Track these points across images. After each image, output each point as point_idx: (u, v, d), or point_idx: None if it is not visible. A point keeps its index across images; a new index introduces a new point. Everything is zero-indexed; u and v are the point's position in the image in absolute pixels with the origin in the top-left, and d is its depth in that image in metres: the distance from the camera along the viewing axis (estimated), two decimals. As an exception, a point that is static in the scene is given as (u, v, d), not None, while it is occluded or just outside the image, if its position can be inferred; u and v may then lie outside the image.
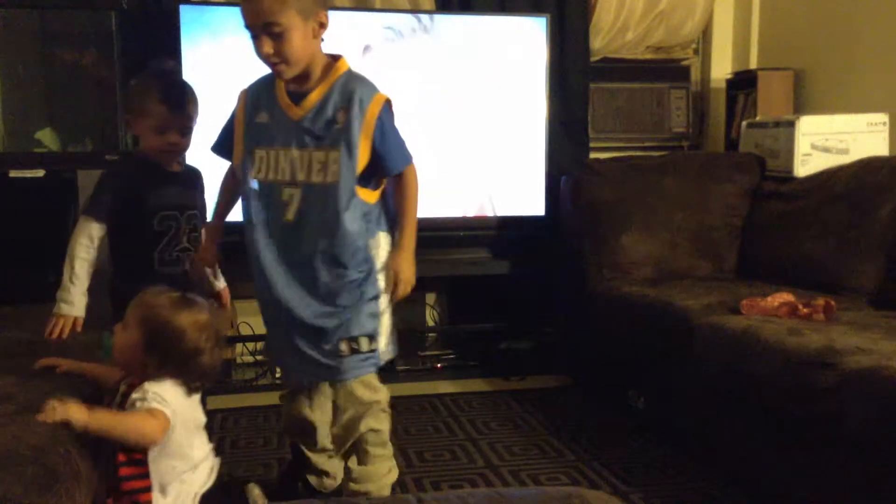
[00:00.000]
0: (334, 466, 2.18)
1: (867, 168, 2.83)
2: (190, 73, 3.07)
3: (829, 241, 2.76)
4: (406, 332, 3.58)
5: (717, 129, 3.96)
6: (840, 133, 3.10)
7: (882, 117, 3.09)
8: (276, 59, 1.77)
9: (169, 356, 1.49)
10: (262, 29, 1.73)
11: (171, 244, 2.06)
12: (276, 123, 1.88)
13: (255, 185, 1.90)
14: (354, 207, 1.84)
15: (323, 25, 1.81)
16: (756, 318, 2.31)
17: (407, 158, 1.92)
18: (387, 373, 3.11)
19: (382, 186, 1.95)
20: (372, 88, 1.86)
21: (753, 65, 3.86)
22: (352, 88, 1.83)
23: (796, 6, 3.68)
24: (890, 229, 2.62)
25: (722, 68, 3.98)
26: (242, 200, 1.96)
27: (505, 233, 3.45)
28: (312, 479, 2.21)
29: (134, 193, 2.02)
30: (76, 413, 1.40)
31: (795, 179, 3.08)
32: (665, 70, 4.01)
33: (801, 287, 2.59)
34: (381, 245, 1.95)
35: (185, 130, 2.06)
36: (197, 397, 1.57)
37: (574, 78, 3.73)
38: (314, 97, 1.84)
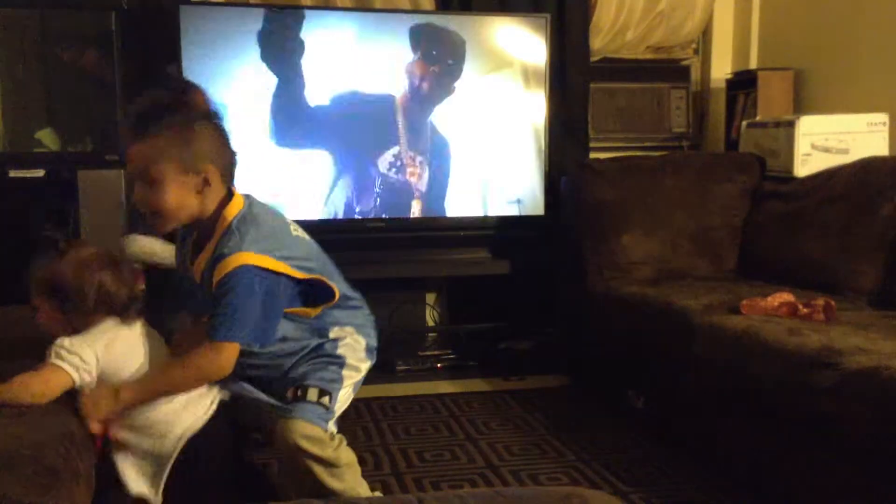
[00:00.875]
0: None
1: (867, 168, 2.83)
2: (190, 73, 3.07)
3: (829, 241, 2.76)
4: (406, 332, 3.59)
5: (717, 129, 3.96)
6: (840, 133, 3.10)
7: (882, 117, 3.09)
8: (144, 208, 1.62)
9: (79, 304, 1.49)
10: (139, 175, 1.59)
11: None
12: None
13: None
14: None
15: (207, 182, 1.62)
16: (756, 318, 2.31)
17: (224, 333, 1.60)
18: (387, 373, 3.11)
19: (307, 308, 1.76)
20: (238, 244, 1.61)
21: (753, 65, 3.86)
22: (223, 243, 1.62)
23: (796, 6, 3.68)
24: (890, 229, 2.62)
25: (722, 68, 3.98)
26: None
27: (505, 233, 3.45)
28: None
29: None
30: None
31: (795, 179, 3.08)
32: (665, 70, 4.01)
33: (801, 287, 2.59)
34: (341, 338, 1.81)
35: None
36: (144, 329, 1.57)
37: (574, 78, 3.73)
38: (203, 256, 1.67)
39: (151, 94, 1.61)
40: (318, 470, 1.67)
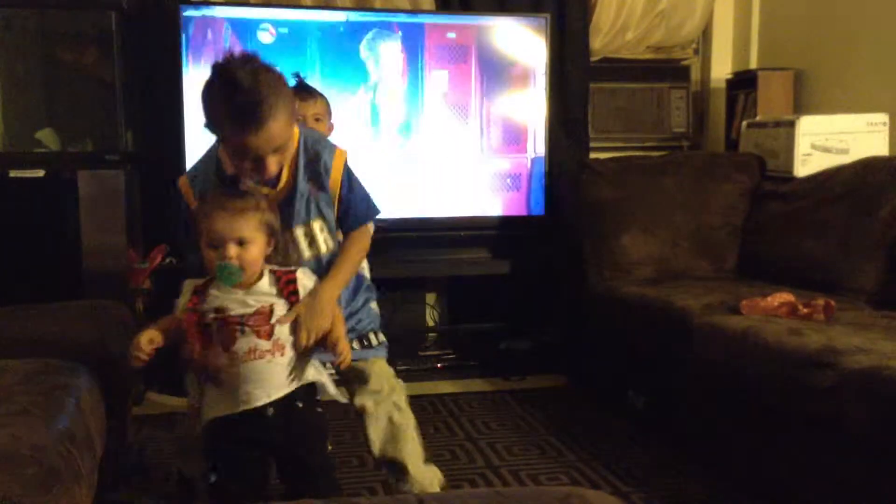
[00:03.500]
0: None
1: (867, 168, 2.83)
2: (189, 73, 3.07)
3: (829, 241, 2.76)
4: (406, 332, 3.59)
5: (717, 129, 3.96)
6: (840, 133, 3.10)
7: (882, 117, 3.09)
8: (269, 175, 1.69)
9: (275, 234, 1.65)
10: (277, 149, 1.64)
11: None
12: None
13: None
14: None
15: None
16: (756, 318, 2.31)
17: (371, 213, 1.88)
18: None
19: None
20: (330, 146, 1.81)
21: (753, 65, 3.86)
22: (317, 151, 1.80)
23: (796, 6, 3.68)
24: (890, 229, 2.62)
25: (722, 68, 3.98)
26: None
27: (505, 233, 3.45)
28: None
29: None
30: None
31: (795, 179, 3.08)
32: (665, 70, 4.01)
33: (801, 287, 2.59)
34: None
35: (318, 118, 2.26)
36: None
37: (574, 78, 3.73)
38: (286, 180, 1.77)
39: (242, 83, 1.56)
40: (399, 399, 1.99)
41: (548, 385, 3.29)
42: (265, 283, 1.63)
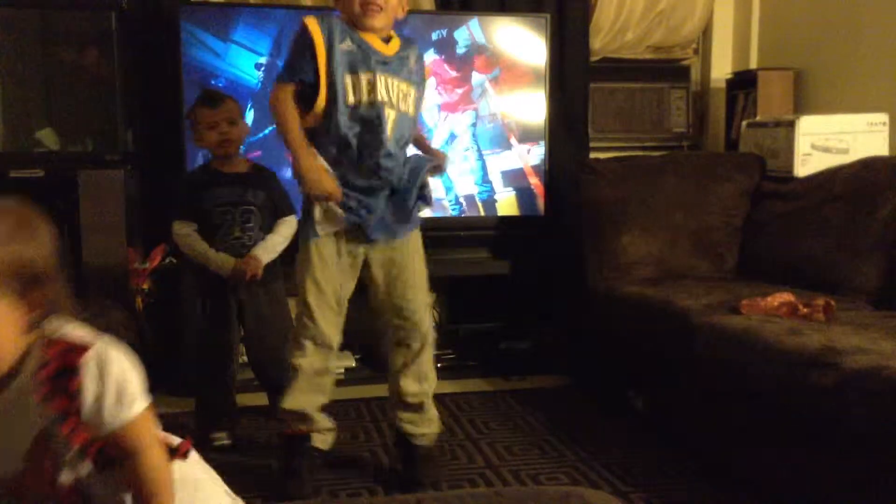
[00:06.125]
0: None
1: (867, 168, 2.83)
2: (189, 73, 3.07)
3: (829, 241, 2.76)
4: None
5: (717, 129, 3.96)
6: (840, 133, 3.10)
7: (882, 117, 3.09)
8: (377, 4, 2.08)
9: None
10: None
11: (228, 233, 2.61)
12: (365, 54, 2.12)
13: (344, 105, 2.11)
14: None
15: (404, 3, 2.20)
16: (756, 318, 2.31)
17: None
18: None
19: None
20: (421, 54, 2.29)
21: (753, 65, 3.87)
22: (413, 47, 2.25)
23: (796, 6, 3.68)
24: (890, 229, 2.62)
25: (722, 68, 3.98)
26: (324, 118, 2.13)
27: (505, 233, 3.45)
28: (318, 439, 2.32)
29: (196, 194, 2.61)
30: None
31: (795, 179, 3.08)
32: (665, 70, 4.01)
33: (801, 287, 2.59)
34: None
35: (232, 121, 2.59)
36: None
37: (574, 78, 3.73)
38: (395, 42, 2.19)
39: None
40: None
41: (548, 385, 3.29)
42: None
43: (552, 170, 3.47)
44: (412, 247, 2.32)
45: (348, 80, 2.11)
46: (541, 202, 3.46)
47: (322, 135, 2.15)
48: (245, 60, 3.13)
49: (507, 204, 3.44)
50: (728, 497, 2.21)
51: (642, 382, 2.80)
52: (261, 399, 2.97)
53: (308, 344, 2.23)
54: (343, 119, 2.11)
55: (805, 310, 2.31)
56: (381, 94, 2.12)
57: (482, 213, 3.42)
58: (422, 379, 2.34)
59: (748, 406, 2.21)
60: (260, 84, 3.14)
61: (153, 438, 1.00)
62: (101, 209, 2.84)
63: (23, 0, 3.01)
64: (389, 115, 2.14)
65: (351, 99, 2.11)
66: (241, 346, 2.82)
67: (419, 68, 2.25)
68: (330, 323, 2.24)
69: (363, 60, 2.11)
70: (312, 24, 2.09)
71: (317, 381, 2.26)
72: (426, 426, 2.36)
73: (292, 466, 2.27)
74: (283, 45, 3.15)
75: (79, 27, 3.06)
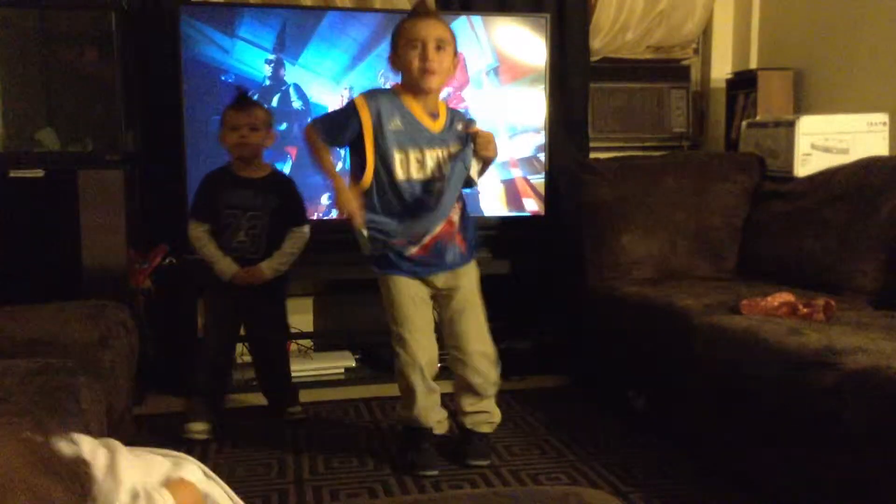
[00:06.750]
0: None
1: (867, 168, 2.83)
2: (189, 73, 3.07)
3: (829, 240, 2.76)
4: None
5: (717, 129, 3.96)
6: (840, 133, 3.10)
7: (882, 117, 3.09)
8: (433, 67, 2.23)
9: None
10: (435, 42, 2.22)
11: (232, 236, 2.66)
12: (414, 131, 2.28)
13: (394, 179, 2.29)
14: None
15: (456, 66, 2.35)
16: (756, 318, 2.31)
17: None
18: (386, 372, 3.10)
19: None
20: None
21: (753, 65, 3.86)
22: (460, 115, 2.44)
23: (796, 6, 3.68)
24: (890, 229, 2.62)
25: (722, 68, 3.98)
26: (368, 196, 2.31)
27: (505, 233, 3.44)
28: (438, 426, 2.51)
29: (211, 194, 2.68)
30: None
31: (795, 179, 3.08)
32: (665, 70, 4.01)
33: (802, 287, 2.59)
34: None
35: (255, 127, 2.64)
36: None
37: (574, 78, 3.73)
38: (442, 117, 2.36)
39: None
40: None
41: (548, 385, 3.29)
42: None
43: (552, 170, 3.47)
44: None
45: (397, 156, 2.28)
46: (541, 202, 3.46)
47: (370, 207, 2.32)
48: (252, 56, 3.12)
49: (506, 204, 3.44)
50: (728, 497, 2.21)
51: (642, 382, 2.80)
52: (260, 399, 2.97)
53: None
54: (392, 191, 2.30)
55: (805, 310, 2.31)
56: (431, 169, 2.31)
57: (482, 214, 3.42)
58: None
59: (748, 406, 2.21)
60: (267, 80, 3.14)
61: None
62: (101, 209, 2.84)
63: (23, 0, 3.01)
64: (436, 187, 2.32)
65: (401, 175, 2.29)
66: (243, 346, 2.83)
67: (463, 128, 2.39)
68: None
69: (412, 140, 2.30)
70: (362, 105, 2.27)
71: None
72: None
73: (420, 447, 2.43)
74: (285, 39, 3.15)
75: (79, 27, 3.07)
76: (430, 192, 2.31)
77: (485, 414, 2.50)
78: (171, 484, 0.96)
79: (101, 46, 3.03)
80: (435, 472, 2.36)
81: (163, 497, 0.93)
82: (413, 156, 2.29)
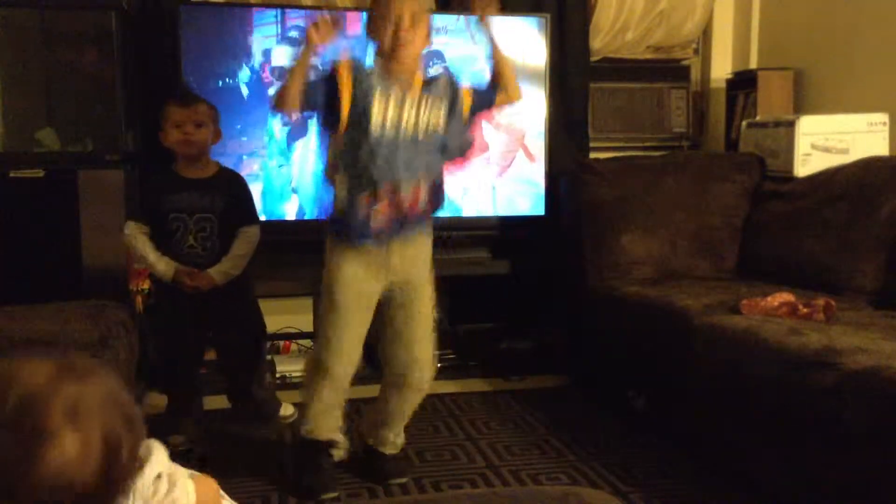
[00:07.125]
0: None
1: (867, 168, 2.83)
2: (189, 73, 3.07)
3: (829, 240, 2.76)
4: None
5: (717, 129, 3.96)
6: (840, 133, 3.10)
7: (882, 117, 3.09)
8: (407, 40, 2.18)
9: None
10: (410, 17, 2.17)
11: (181, 241, 2.46)
12: (390, 88, 2.21)
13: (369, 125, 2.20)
14: None
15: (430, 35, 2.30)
16: (756, 318, 2.31)
17: None
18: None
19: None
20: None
21: (753, 65, 3.86)
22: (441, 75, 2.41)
23: (796, 6, 3.68)
24: (890, 229, 2.62)
25: (722, 68, 3.98)
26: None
27: (505, 233, 3.44)
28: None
29: (155, 198, 2.47)
30: None
31: (795, 179, 3.08)
32: (665, 70, 4.01)
33: (802, 287, 2.59)
34: None
35: (200, 123, 2.45)
36: None
37: (574, 78, 3.73)
38: (419, 81, 2.28)
39: None
40: None
41: (548, 385, 3.29)
42: None
43: (552, 170, 3.47)
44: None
45: (376, 106, 2.20)
46: (541, 202, 3.45)
47: (346, 157, 2.21)
48: (252, 56, 3.12)
49: (506, 204, 3.44)
50: (728, 497, 2.21)
51: (642, 382, 2.80)
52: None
53: None
54: (366, 144, 2.19)
55: (805, 310, 2.31)
56: (407, 122, 2.24)
57: (482, 213, 3.42)
58: None
59: (748, 406, 2.21)
60: (263, 82, 3.14)
61: None
62: (101, 209, 2.84)
63: (23, 0, 3.01)
64: (409, 144, 2.24)
65: (376, 125, 2.20)
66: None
67: (449, 85, 2.35)
68: None
69: (387, 92, 2.23)
70: (342, 62, 2.21)
71: None
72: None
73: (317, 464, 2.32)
74: (285, 39, 3.15)
75: (79, 27, 3.06)
76: (401, 148, 2.22)
77: (397, 437, 2.44)
78: (195, 477, 1.01)
79: (101, 46, 3.03)
80: (335, 494, 2.24)
81: (185, 484, 0.97)
82: (392, 107, 2.21)
